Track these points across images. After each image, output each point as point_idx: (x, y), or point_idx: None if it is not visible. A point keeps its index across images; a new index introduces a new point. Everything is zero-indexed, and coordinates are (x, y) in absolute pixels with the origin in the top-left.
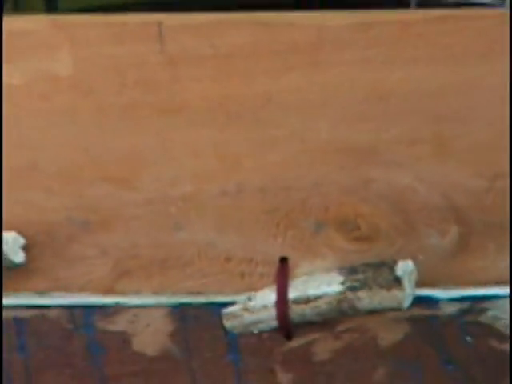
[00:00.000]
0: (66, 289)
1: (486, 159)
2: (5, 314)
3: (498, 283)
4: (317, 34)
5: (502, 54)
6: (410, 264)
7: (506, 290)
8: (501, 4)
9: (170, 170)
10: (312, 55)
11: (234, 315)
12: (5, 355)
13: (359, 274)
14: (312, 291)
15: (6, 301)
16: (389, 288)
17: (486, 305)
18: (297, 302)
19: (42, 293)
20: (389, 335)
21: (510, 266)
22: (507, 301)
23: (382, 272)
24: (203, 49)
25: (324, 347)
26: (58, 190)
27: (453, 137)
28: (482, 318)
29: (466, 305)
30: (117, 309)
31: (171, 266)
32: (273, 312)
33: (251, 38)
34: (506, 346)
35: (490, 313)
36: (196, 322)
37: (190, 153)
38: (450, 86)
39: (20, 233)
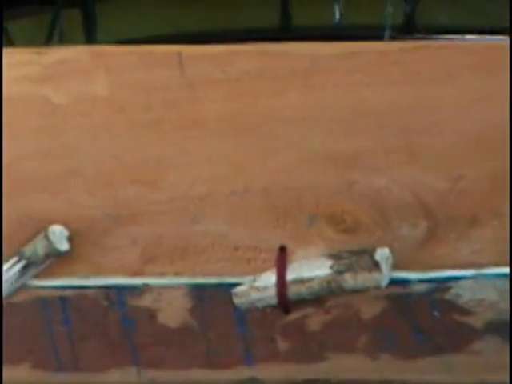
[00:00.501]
0: (102, 272)
1: (449, 164)
2: (52, 293)
3: (459, 267)
4: (310, 62)
5: (461, 77)
6: (386, 251)
7: (466, 272)
8: None
9: (188, 174)
10: (306, 79)
11: (241, 294)
12: (52, 327)
13: (345, 259)
14: (306, 274)
15: (52, 282)
16: (369, 271)
17: (450, 284)
18: (294, 282)
19: (82, 276)
20: (370, 310)
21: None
22: (468, 281)
23: (363, 258)
24: (216, 74)
25: (316, 320)
26: (96, 191)
27: (421, 146)
28: (447, 296)
29: (433, 285)
30: (144, 289)
31: (190, 253)
32: (274, 291)
33: (256, 65)
34: (467, 319)
35: (453, 291)
36: (211, 299)
37: (205, 160)
38: (419, 104)
39: (65, 226)
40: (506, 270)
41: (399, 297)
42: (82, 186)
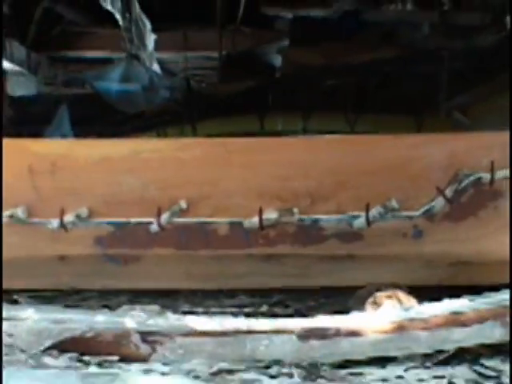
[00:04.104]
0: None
1: (319, 180)
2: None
3: (324, 214)
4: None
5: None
6: (296, 209)
7: (327, 217)
8: None
9: (228, 178)
10: (271, 151)
11: (246, 224)
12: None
13: (283, 211)
14: (269, 217)
15: (179, 220)
16: (291, 215)
17: (319, 219)
18: (265, 221)
19: (191, 217)
20: (291, 229)
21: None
22: (329, 219)
23: (289, 211)
24: (239, 147)
25: (272, 232)
26: (197, 187)
27: (307, 175)
28: (318, 226)
29: (314, 221)
30: (207, 221)
31: (229, 210)
32: (258, 223)
33: (249, 146)
34: (324, 232)
35: (320, 223)
36: (235, 225)
37: (235, 174)
38: (300, 161)
39: (186, 200)
40: (343, 216)
41: (302, 225)
42: (191, 185)
